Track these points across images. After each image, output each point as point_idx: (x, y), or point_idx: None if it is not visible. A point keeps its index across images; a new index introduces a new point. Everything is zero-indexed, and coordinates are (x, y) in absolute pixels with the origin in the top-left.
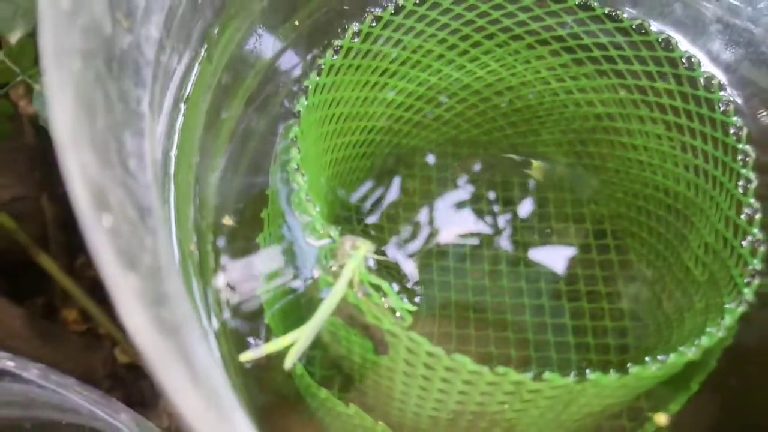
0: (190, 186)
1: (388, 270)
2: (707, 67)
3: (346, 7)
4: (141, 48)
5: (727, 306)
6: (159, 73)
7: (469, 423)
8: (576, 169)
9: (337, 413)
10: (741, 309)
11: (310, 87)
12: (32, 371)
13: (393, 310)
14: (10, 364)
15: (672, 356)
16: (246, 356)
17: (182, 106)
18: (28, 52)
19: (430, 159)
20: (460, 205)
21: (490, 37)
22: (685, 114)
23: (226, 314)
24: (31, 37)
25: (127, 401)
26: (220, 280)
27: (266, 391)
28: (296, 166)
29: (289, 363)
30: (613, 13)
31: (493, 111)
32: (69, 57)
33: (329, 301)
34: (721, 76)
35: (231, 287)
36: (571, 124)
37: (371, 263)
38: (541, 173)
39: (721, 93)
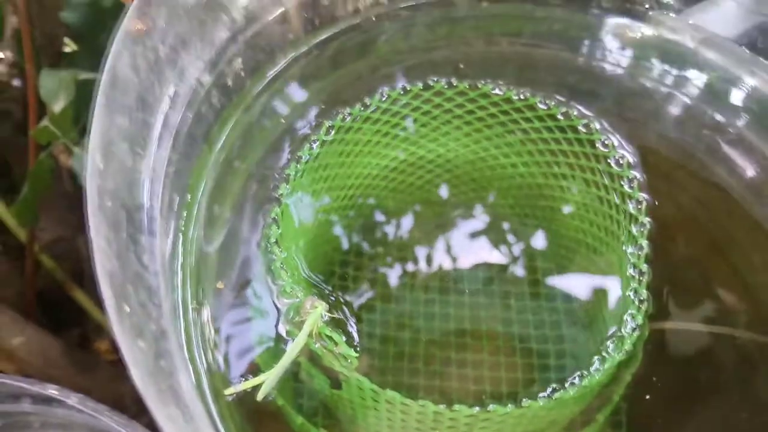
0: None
1: (339, 323)
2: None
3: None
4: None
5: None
6: (168, 185)
7: None
8: (527, 228)
9: None
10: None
11: (290, 173)
12: (72, 398)
13: (343, 356)
14: (54, 392)
15: (561, 392)
16: (229, 390)
17: (184, 212)
18: (68, 118)
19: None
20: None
21: (445, 122)
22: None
23: (219, 358)
24: (71, 105)
25: (151, 426)
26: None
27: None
28: (275, 240)
29: (260, 395)
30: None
31: (458, 179)
32: (104, 200)
33: (294, 346)
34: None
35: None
36: (514, 191)
37: (326, 318)
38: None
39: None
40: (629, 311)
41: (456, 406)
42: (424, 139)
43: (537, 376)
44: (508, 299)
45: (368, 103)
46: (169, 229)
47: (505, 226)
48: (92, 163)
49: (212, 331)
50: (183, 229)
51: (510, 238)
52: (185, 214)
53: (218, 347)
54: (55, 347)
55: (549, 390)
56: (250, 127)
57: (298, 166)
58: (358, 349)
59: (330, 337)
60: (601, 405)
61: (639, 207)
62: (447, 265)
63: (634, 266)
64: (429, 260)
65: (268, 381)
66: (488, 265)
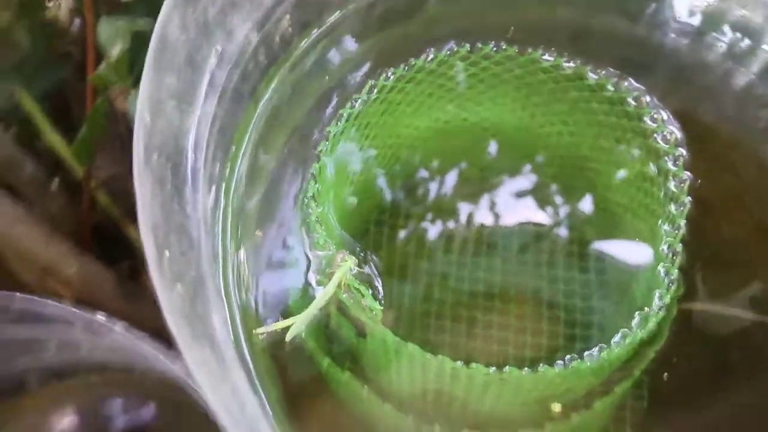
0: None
1: (367, 278)
2: None
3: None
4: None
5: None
6: (212, 140)
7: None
8: (567, 199)
9: (349, 391)
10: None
11: (331, 131)
12: (118, 326)
13: (369, 308)
14: (102, 318)
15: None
16: (260, 330)
17: (228, 165)
18: (124, 64)
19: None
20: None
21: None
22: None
23: (253, 301)
24: (127, 52)
25: None
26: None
27: (295, 371)
28: (312, 195)
29: (289, 336)
30: None
31: (502, 145)
32: (150, 155)
33: (323, 295)
34: None
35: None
36: (558, 160)
37: (354, 272)
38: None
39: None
40: (658, 290)
41: (473, 365)
42: (469, 102)
43: (561, 344)
44: (541, 267)
45: (413, 64)
46: (213, 181)
47: (546, 194)
48: (140, 120)
49: (249, 276)
50: (226, 180)
51: (549, 207)
52: (228, 167)
53: (253, 291)
54: (107, 278)
55: (567, 359)
56: (296, 84)
57: (339, 123)
58: (382, 302)
59: (358, 290)
60: (621, 378)
61: (681, 185)
62: (481, 229)
63: (669, 245)
64: (464, 223)
65: (296, 324)
66: (524, 232)
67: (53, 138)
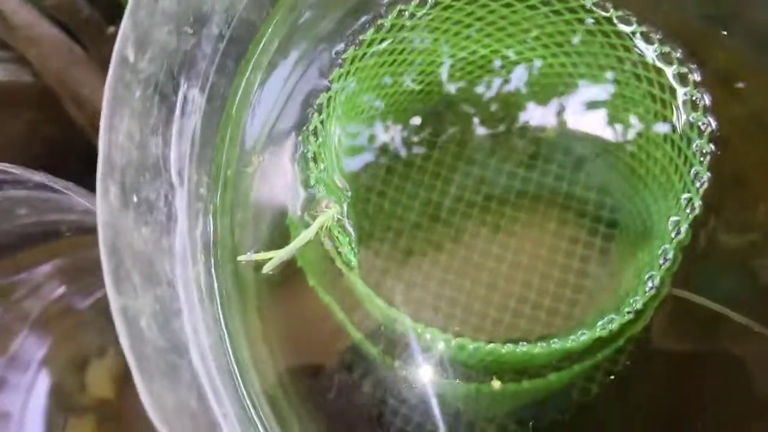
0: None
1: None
2: None
3: None
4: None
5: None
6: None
7: None
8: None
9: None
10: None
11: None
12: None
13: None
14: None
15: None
16: (241, 258)
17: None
18: None
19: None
20: None
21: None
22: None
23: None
24: None
25: None
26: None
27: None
28: (313, 128)
29: (266, 269)
30: None
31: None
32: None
33: (303, 236)
34: None
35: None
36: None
37: (336, 220)
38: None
39: None
40: (650, 272)
41: (431, 330)
42: (488, 39)
43: (547, 304)
44: (549, 222)
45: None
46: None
47: (564, 148)
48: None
49: (240, 200)
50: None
51: (566, 160)
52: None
53: (241, 215)
54: None
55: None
56: None
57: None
58: (357, 254)
59: (337, 238)
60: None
61: (702, 159)
62: (489, 188)
63: (678, 224)
64: (475, 184)
65: (274, 259)
66: (530, 181)
67: None
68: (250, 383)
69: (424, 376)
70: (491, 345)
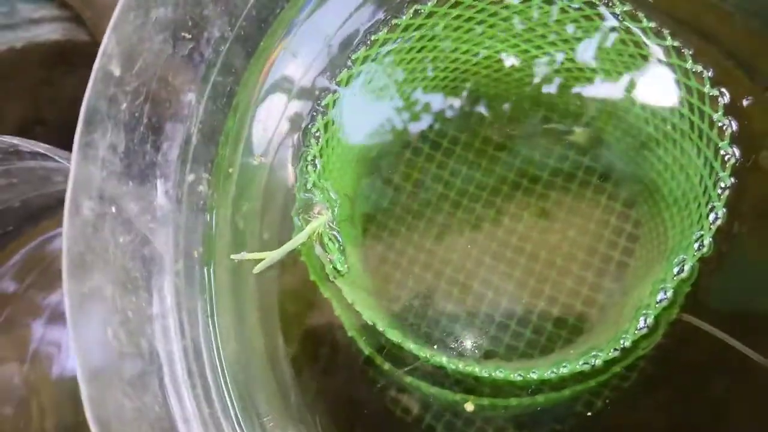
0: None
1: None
2: None
3: None
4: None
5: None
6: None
7: None
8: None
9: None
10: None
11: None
12: None
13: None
14: None
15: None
16: (235, 256)
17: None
18: None
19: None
20: None
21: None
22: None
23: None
24: None
25: None
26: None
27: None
28: (317, 130)
29: (256, 270)
30: None
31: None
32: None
33: (295, 240)
34: None
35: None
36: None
37: (327, 227)
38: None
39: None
40: (661, 286)
41: (408, 345)
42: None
43: (556, 312)
44: (568, 231)
45: None
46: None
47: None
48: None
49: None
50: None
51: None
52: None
53: (244, 210)
54: None
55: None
56: None
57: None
58: (346, 264)
59: (327, 245)
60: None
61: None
62: (504, 187)
63: (699, 239)
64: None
65: (265, 260)
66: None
67: None
68: (235, 381)
69: (412, 381)
70: (469, 367)
